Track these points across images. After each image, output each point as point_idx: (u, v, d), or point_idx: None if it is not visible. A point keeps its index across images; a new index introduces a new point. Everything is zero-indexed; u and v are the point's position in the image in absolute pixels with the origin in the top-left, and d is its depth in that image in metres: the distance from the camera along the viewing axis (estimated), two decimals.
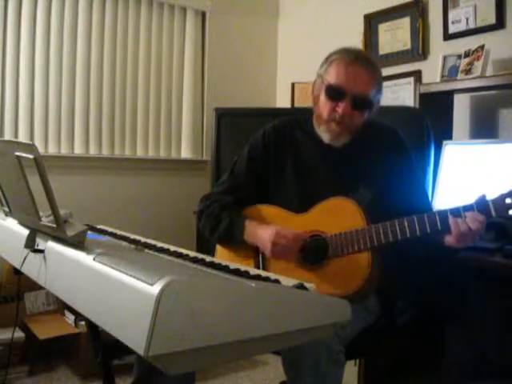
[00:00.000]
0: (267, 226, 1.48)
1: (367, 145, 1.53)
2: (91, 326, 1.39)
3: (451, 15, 2.42)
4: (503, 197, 1.29)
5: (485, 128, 2.32)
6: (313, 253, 1.44)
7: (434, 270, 1.66)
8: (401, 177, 1.51)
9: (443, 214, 1.33)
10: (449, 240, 1.34)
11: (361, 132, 1.54)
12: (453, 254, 1.47)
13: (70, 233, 0.97)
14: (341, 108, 1.45)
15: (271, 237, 1.42)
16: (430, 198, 1.68)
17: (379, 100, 1.54)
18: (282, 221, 1.53)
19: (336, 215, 1.46)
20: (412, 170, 1.57)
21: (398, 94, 2.69)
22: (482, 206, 1.30)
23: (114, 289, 0.77)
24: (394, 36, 2.72)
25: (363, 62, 1.46)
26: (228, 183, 1.64)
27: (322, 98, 1.50)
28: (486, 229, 1.32)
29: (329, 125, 1.50)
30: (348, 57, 1.46)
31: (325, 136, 1.52)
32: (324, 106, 1.50)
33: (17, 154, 0.97)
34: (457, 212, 1.31)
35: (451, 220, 1.31)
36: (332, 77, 1.47)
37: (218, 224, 1.55)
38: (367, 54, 1.55)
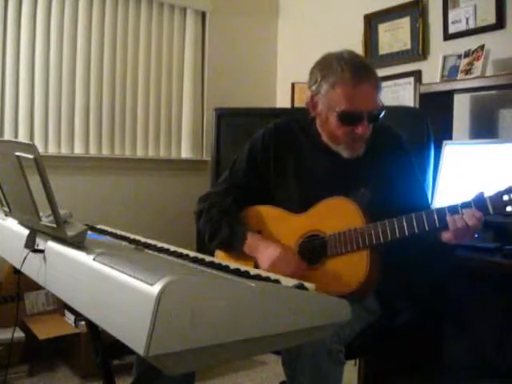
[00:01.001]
0: (268, 246, 1.44)
1: (367, 146, 1.53)
2: (91, 326, 1.39)
3: (451, 15, 2.42)
4: (500, 194, 1.30)
5: (485, 128, 2.32)
6: (312, 252, 1.44)
7: (431, 267, 1.66)
8: (401, 177, 1.51)
9: (441, 212, 1.33)
10: (446, 236, 1.34)
11: None
12: (450, 251, 1.47)
13: (70, 233, 0.97)
14: (361, 130, 1.42)
15: (270, 262, 1.40)
16: (429, 198, 1.68)
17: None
18: (281, 221, 1.53)
19: (335, 215, 1.46)
20: (412, 169, 1.57)
21: (398, 93, 2.69)
22: (479, 202, 1.31)
23: (114, 289, 0.78)
24: (394, 36, 2.72)
25: (364, 74, 1.41)
26: (227, 183, 1.64)
27: (334, 121, 1.45)
28: (486, 229, 1.33)
29: (348, 144, 1.48)
30: (349, 76, 1.40)
31: (345, 153, 1.50)
32: (338, 129, 1.46)
33: (17, 154, 0.97)
34: (454, 209, 1.32)
35: (448, 217, 1.31)
36: (342, 102, 1.41)
37: (217, 232, 1.53)
38: (359, 57, 1.50)
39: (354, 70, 1.41)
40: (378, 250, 1.41)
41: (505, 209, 1.29)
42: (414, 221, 1.34)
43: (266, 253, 1.43)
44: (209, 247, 1.60)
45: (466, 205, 1.32)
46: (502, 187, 1.30)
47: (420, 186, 1.61)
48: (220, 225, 1.53)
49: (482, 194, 1.32)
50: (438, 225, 1.33)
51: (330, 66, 1.44)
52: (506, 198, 1.29)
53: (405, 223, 1.35)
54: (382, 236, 1.37)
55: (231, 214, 1.56)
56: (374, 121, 1.45)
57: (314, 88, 1.48)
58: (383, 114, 1.47)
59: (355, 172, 1.51)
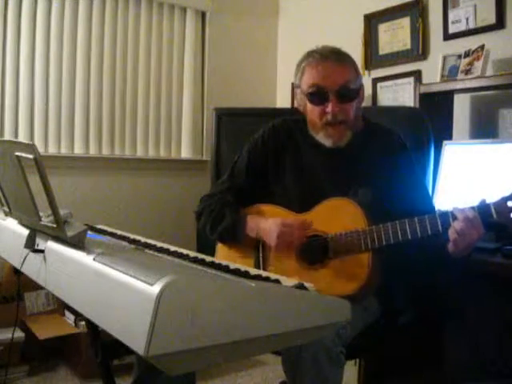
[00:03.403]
0: (268, 219, 1.49)
1: (366, 146, 1.53)
2: (91, 326, 1.39)
3: (451, 15, 2.42)
4: (505, 199, 1.28)
5: (485, 128, 2.32)
6: (313, 252, 1.44)
7: (436, 275, 1.65)
8: (401, 178, 1.50)
9: (444, 216, 1.32)
10: (449, 245, 1.32)
11: (360, 133, 1.54)
12: (461, 261, 1.43)
13: (70, 233, 0.97)
14: (329, 107, 1.45)
15: (276, 227, 1.42)
16: (432, 199, 1.67)
17: (362, 85, 1.54)
18: None
19: (337, 215, 1.46)
20: (413, 171, 1.56)
21: (398, 93, 2.69)
22: (483, 208, 1.29)
23: (114, 289, 0.78)
24: (394, 36, 2.72)
25: (331, 55, 1.46)
26: (228, 183, 1.65)
27: (309, 106, 1.51)
28: (487, 229, 1.32)
29: (326, 130, 1.50)
30: (315, 58, 1.47)
31: (327, 142, 1.51)
32: (313, 112, 1.50)
33: (17, 154, 0.97)
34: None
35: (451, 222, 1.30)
36: (308, 82, 1.48)
37: (219, 221, 1.55)
38: (333, 47, 1.53)
39: (320, 52, 1.48)
40: (379, 251, 1.40)
41: (509, 215, 1.26)
42: (417, 224, 1.33)
43: (268, 225, 1.46)
44: (210, 239, 1.61)
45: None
46: (507, 192, 1.28)
47: (422, 187, 1.60)
48: (222, 215, 1.55)
49: (485, 200, 1.30)
50: (440, 229, 1.31)
51: (303, 56, 1.52)
52: (510, 203, 1.27)
53: (407, 226, 1.34)
54: (385, 239, 1.36)
55: (232, 206, 1.58)
56: (344, 99, 1.46)
57: (296, 83, 1.56)
58: (357, 95, 1.49)
59: (353, 171, 1.51)
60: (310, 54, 1.50)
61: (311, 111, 1.50)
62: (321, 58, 1.46)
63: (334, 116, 1.45)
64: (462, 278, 1.74)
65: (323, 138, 1.51)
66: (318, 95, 1.46)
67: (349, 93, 1.46)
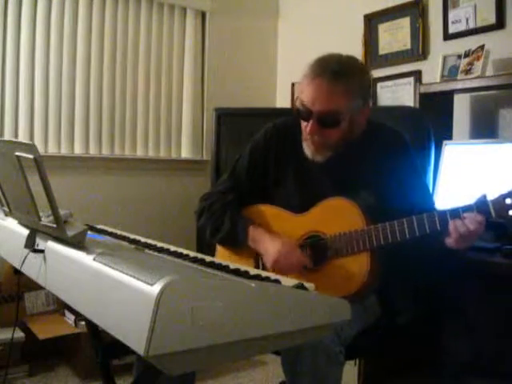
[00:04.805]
0: (273, 239, 1.46)
1: (368, 146, 1.52)
2: (91, 325, 1.39)
3: (451, 15, 2.42)
4: (503, 197, 1.28)
5: (485, 128, 2.32)
6: (312, 253, 1.44)
7: (435, 271, 1.65)
8: (403, 178, 1.49)
9: (442, 215, 1.32)
10: (449, 242, 1.33)
11: (362, 133, 1.53)
12: (457, 256, 1.44)
13: (70, 233, 0.97)
14: (308, 127, 1.43)
15: (274, 254, 1.42)
16: (433, 200, 1.66)
17: (365, 103, 1.46)
18: (282, 221, 1.53)
19: (336, 215, 1.45)
20: (415, 170, 1.55)
21: (398, 94, 2.69)
22: (481, 206, 1.29)
23: (114, 289, 0.78)
24: (394, 36, 2.72)
25: (327, 74, 1.37)
26: (229, 182, 1.64)
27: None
28: (486, 228, 1.32)
29: (307, 142, 1.50)
30: (313, 72, 1.41)
31: (306, 152, 1.52)
32: (301, 124, 1.50)
33: (17, 154, 0.97)
34: (456, 213, 1.31)
35: (450, 222, 1.30)
36: (300, 97, 1.45)
37: (219, 226, 1.55)
38: (336, 60, 1.43)
39: (315, 66, 1.42)
40: (379, 251, 1.40)
41: (507, 212, 1.26)
42: (415, 223, 1.33)
43: (271, 247, 1.44)
44: (211, 242, 1.61)
45: (467, 208, 1.30)
46: (505, 190, 1.28)
47: (424, 187, 1.59)
48: (222, 219, 1.55)
49: (484, 196, 1.31)
50: (439, 228, 1.32)
51: (310, 63, 1.46)
52: (508, 201, 1.26)
53: (406, 225, 1.34)
54: (383, 238, 1.36)
55: (233, 208, 1.57)
56: (324, 125, 1.42)
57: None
58: (340, 123, 1.41)
59: (355, 173, 1.51)
60: (312, 66, 1.44)
61: (300, 121, 1.51)
62: (314, 77, 1.40)
63: (311, 136, 1.45)
64: (461, 278, 1.74)
65: (305, 148, 1.52)
66: (303, 112, 1.44)
67: (330, 120, 1.41)
